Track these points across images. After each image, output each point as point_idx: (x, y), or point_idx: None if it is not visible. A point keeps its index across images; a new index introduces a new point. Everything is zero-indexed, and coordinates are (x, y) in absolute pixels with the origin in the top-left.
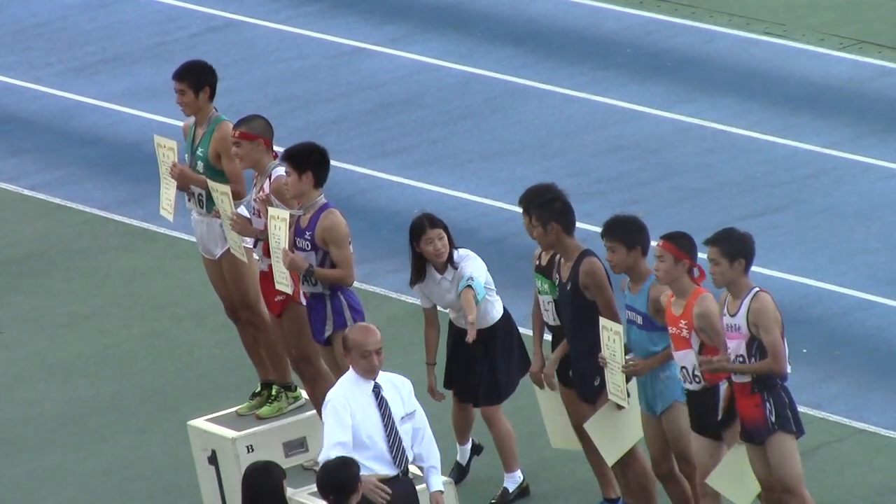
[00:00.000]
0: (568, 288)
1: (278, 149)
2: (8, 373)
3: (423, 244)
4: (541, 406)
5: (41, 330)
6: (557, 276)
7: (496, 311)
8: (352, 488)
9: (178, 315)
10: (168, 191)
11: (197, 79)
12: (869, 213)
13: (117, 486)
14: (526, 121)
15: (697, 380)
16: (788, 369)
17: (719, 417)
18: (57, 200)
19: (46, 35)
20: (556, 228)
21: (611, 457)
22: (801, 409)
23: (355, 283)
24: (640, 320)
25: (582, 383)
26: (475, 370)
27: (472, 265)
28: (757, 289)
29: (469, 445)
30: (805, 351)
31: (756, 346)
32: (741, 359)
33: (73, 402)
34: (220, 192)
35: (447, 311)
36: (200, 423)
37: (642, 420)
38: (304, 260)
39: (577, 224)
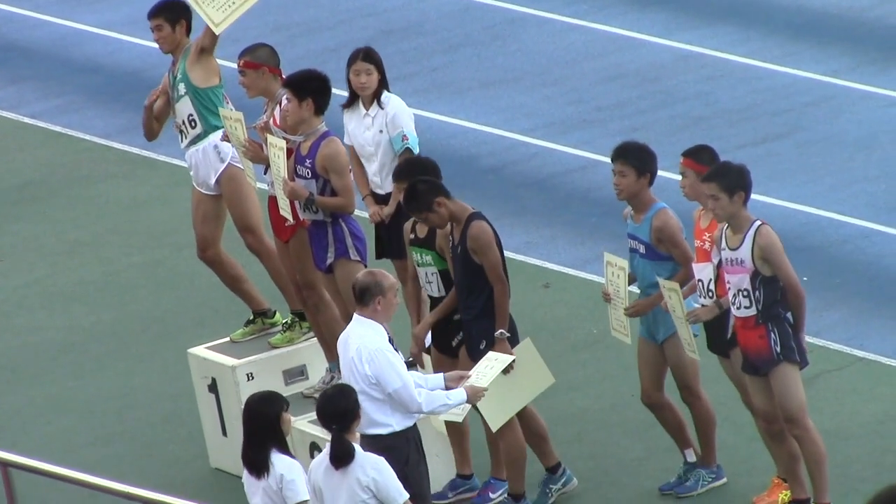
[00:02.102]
0: (459, 251)
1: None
2: (8, 300)
3: (352, 73)
4: None
5: (41, 258)
6: (451, 239)
7: None
8: (354, 415)
9: (178, 243)
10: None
11: (172, 13)
12: (869, 141)
13: (117, 413)
14: (526, 49)
15: (711, 294)
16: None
17: (728, 335)
18: (57, 128)
19: None
20: (442, 202)
21: (495, 422)
22: None
23: (356, 211)
24: (642, 249)
25: (469, 346)
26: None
27: (403, 118)
28: (759, 222)
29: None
30: (805, 279)
31: (759, 280)
32: (745, 292)
33: (73, 329)
34: (234, 119)
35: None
36: (200, 350)
37: (639, 347)
38: (304, 188)
39: (577, 151)
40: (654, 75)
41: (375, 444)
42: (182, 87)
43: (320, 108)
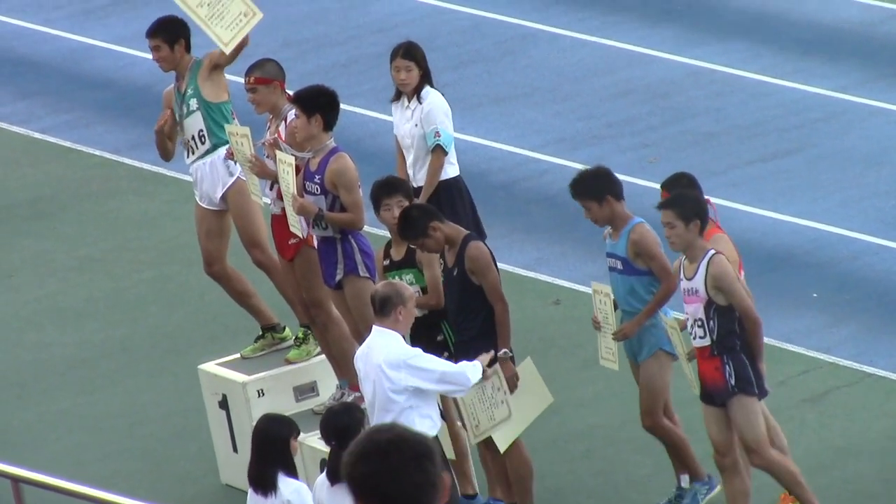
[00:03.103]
0: (455, 273)
1: (290, 92)
2: (18, 316)
3: (393, 69)
4: None
5: (51, 273)
6: (443, 262)
7: (447, 172)
8: (354, 432)
9: (188, 259)
10: (228, 12)
11: (170, 33)
12: (879, 157)
13: (127, 429)
14: (536, 65)
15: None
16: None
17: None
18: (67, 143)
19: None
20: (437, 226)
21: (503, 442)
22: (811, 353)
23: (365, 227)
24: (619, 265)
25: None
26: None
27: (437, 114)
28: (712, 251)
29: None
30: (815, 295)
31: (714, 310)
32: (700, 322)
33: (84, 345)
34: (240, 134)
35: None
36: (211, 367)
37: (632, 370)
38: (313, 204)
39: (586, 167)
40: (664, 91)
41: None
42: (193, 103)
43: (329, 124)
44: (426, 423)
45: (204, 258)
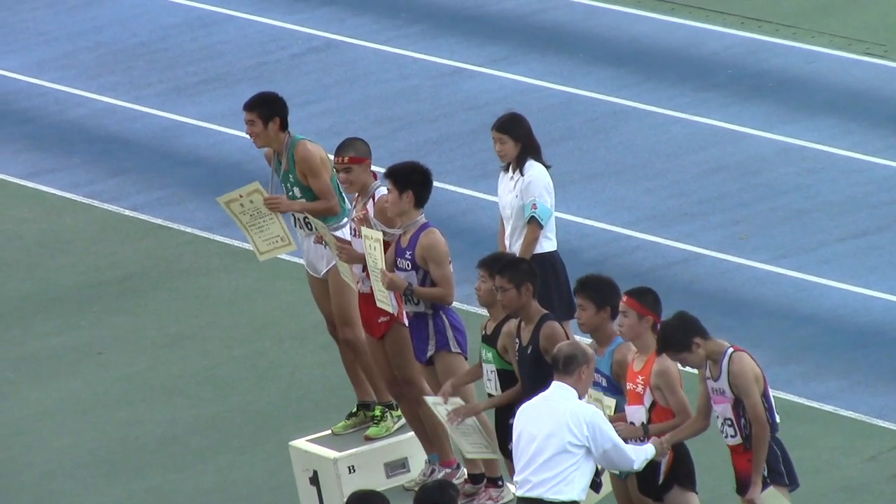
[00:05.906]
0: (529, 351)
1: (378, 169)
2: (109, 393)
3: (493, 138)
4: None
5: (142, 350)
6: (518, 341)
7: (543, 246)
8: None
9: (279, 336)
10: (268, 229)
11: (267, 109)
12: None
13: None
14: (627, 141)
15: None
16: (777, 419)
17: (661, 481)
18: (158, 221)
19: (148, 55)
20: (529, 290)
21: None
22: None
23: (456, 304)
24: (603, 382)
25: None
26: None
27: (537, 187)
28: (731, 349)
29: None
30: None
31: (742, 407)
32: (729, 421)
33: (175, 422)
34: (321, 226)
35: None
36: (302, 443)
37: (611, 483)
38: (402, 279)
39: (679, 244)
40: (755, 168)
41: None
42: (297, 191)
43: (420, 200)
44: (582, 482)
45: (326, 319)
